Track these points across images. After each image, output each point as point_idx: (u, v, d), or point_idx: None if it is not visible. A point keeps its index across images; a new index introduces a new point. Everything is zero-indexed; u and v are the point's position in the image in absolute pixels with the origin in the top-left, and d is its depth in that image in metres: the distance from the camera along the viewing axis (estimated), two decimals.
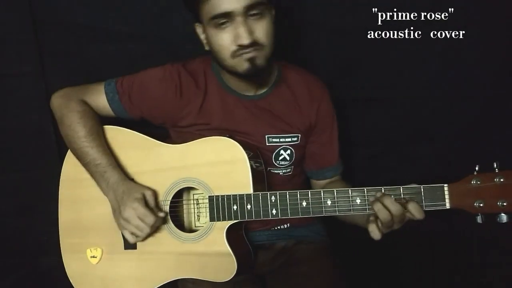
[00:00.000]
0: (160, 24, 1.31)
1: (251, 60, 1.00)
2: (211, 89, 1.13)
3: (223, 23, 0.97)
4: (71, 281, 1.17)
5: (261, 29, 0.99)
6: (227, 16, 0.96)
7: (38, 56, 1.29)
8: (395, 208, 0.87)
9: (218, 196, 1.03)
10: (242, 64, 1.01)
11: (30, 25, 1.26)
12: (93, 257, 1.14)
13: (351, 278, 1.15)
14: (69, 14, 1.28)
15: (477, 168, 0.88)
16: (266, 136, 1.14)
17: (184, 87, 1.12)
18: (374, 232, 0.90)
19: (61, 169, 1.22)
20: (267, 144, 1.14)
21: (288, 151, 1.16)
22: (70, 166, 1.19)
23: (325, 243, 1.24)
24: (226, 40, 0.99)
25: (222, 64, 1.04)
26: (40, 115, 1.34)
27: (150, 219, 1.01)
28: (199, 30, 1.07)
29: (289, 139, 1.15)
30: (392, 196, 0.89)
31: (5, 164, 1.39)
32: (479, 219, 0.87)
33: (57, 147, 1.36)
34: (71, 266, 1.18)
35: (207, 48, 1.07)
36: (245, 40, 0.96)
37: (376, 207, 0.88)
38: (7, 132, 1.36)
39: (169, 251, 1.08)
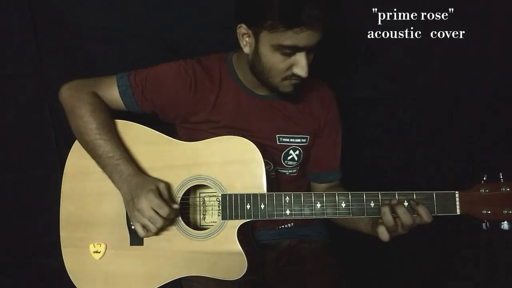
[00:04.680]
0: (160, 24, 1.31)
1: (296, 85, 1.04)
2: (225, 86, 1.13)
3: (287, 52, 0.97)
4: (70, 277, 1.16)
5: (311, 60, 1.02)
6: (295, 49, 0.97)
7: (38, 56, 1.29)
8: (406, 218, 0.91)
9: (232, 194, 1.04)
10: (287, 87, 1.05)
11: (30, 25, 1.26)
12: (96, 252, 1.13)
13: (353, 277, 1.15)
14: (68, 14, 1.28)
15: (485, 178, 0.92)
16: (277, 135, 1.14)
17: (198, 83, 1.12)
18: (384, 234, 0.94)
19: (61, 168, 1.20)
20: (277, 143, 1.15)
21: (297, 152, 1.17)
22: (75, 160, 1.18)
23: (327, 242, 1.25)
24: (283, 66, 1.00)
25: (265, 79, 1.04)
26: (40, 115, 1.34)
27: (165, 210, 1.01)
28: (243, 31, 1.01)
29: (299, 140, 1.16)
30: (406, 202, 0.93)
31: (5, 164, 1.39)
32: (484, 225, 0.92)
33: (56, 147, 1.36)
34: (71, 261, 1.16)
35: (246, 51, 1.04)
36: (305, 74, 0.99)
37: (382, 210, 0.92)
38: (7, 132, 1.36)
39: (178, 248, 1.08)
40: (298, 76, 1.01)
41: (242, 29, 1.01)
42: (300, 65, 0.99)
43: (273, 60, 1.00)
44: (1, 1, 1.23)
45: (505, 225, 0.90)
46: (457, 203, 0.92)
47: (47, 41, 1.29)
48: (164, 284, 1.09)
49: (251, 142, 1.04)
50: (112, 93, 1.14)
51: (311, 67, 1.02)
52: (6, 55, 1.29)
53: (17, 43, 1.28)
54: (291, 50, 0.97)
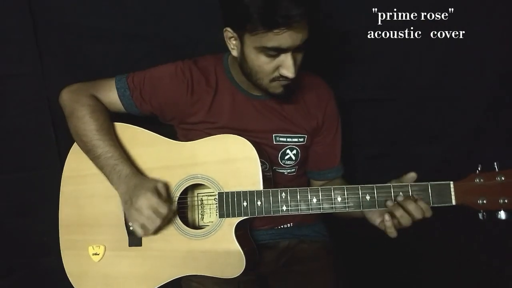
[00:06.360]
0: (160, 24, 1.31)
1: (286, 86, 1.04)
2: (221, 87, 1.14)
3: (272, 53, 0.97)
4: (70, 279, 1.16)
5: (300, 60, 1.01)
6: (279, 50, 0.96)
7: (38, 56, 1.29)
8: (417, 213, 0.92)
9: (228, 192, 1.04)
10: (277, 88, 1.04)
11: (30, 25, 1.26)
12: (95, 254, 1.14)
13: (352, 277, 1.15)
14: (69, 14, 1.28)
15: (479, 168, 0.92)
16: (274, 135, 1.15)
17: (195, 84, 1.13)
18: (393, 234, 0.95)
19: (61, 168, 1.21)
20: (274, 143, 1.15)
21: (294, 151, 1.17)
22: (73, 162, 1.19)
23: (326, 242, 1.25)
24: (269, 67, 1.00)
25: (254, 81, 1.05)
26: (40, 115, 1.34)
27: (163, 209, 1.01)
28: (229, 35, 1.03)
29: (296, 139, 1.16)
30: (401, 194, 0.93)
31: (5, 164, 1.39)
32: (480, 215, 0.91)
33: (57, 147, 1.36)
34: (71, 263, 1.17)
35: (234, 54, 1.05)
36: (291, 75, 0.99)
37: (398, 213, 0.93)
38: (7, 132, 1.36)
39: (176, 248, 1.08)
40: (286, 77, 1.00)
41: (228, 32, 1.02)
42: (286, 66, 0.98)
43: (259, 62, 0.99)
44: (1, 1, 1.23)
45: (501, 214, 0.89)
46: (452, 193, 0.92)
47: (47, 41, 1.29)
48: (164, 284, 1.09)
49: (246, 140, 1.05)
50: (111, 95, 1.15)
51: (305, 61, 1.02)
52: (6, 55, 1.29)
53: (17, 43, 1.28)
54: (275, 52, 0.96)
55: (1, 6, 1.24)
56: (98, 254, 1.14)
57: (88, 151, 1.12)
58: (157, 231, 1.06)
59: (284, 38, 0.93)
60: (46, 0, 1.26)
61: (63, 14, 1.28)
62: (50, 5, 1.27)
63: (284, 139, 1.16)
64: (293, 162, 1.18)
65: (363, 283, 1.33)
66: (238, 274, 1.02)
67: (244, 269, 1.02)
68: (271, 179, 1.12)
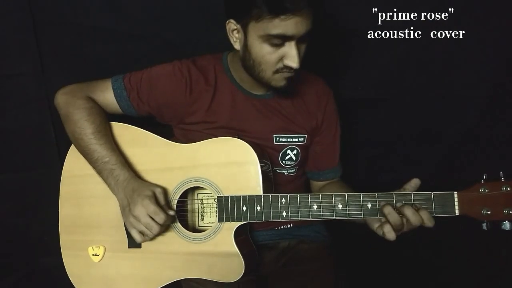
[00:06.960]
0: (160, 24, 1.31)
1: (289, 79, 1.03)
2: (221, 86, 1.13)
3: (276, 42, 0.97)
4: (71, 279, 1.16)
5: (303, 52, 1.01)
6: (284, 38, 0.96)
7: (38, 56, 1.29)
8: (415, 219, 0.90)
9: (228, 196, 1.03)
10: (280, 81, 1.03)
11: (30, 25, 1.26)
12: (95, 255, 1.13)
13: (352, 277, 1.15)
14: (69, 14, 1.28)
15: (485, 177, 0.90)
16: (274, 135, 1.14)
17: (193, 83, 1.12)
18: (391, 233, 0.92)
19: (61, 168, 1.21)
20: (274, 143, 1.14)
21: (295, 151, 1.17)
22: (73, 162, 1.18)
23: (326, 243, 1.25)
24: (273, 57, 0.99)
25: (256, 74, 1.04)
26: (40, 115, 1.34)
27: (161, 216, 1.00)
28: (232, 27, 1.02)
29: (296, 139, 1.16)
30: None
31: (5, 164, 1.39)
32: (484, 226, 0.90)
33: (57, 147, 1.36)
34: (71, 264, 1.17)
35: (236, 47, 1.04)
36: (296, 65, 0.98)
37: (386, 210, 0.90)
38: (7, 132, 1.36)
39: (175, 250, 1.07)
40: (290, 68, 0.99)
41: (231, 24, 1.02)
42: (290, 56, 0.97)
43: (263, 52, 0.98)
44: (1, 1, 1.23)
45: (506, 225, 0.88)
46: (456, 203, 0.91)
47: (47, 41, 1.29)
48: (164, 286, 1.09)
49: (246, 143, 1.04)
50: (107, 96, 1.13)
51: (305, 61, 1.02)
52: (6, 55, 1.29)
53: (17, 43, 1.28)
54: (279, 40, 0.96)
55: (1, 6, 1.24)
56: (98, 255, 1.13)
57: (86, 155, 1.11)
58: (156, 234, 1.05)
59: (289, 25, 0.92)
60: (46, 0, 1.26)
61: (63, 14, 1.28)
62: (50, 5, 1.27)
63: (285, 139, 1.15)
64: (294, 162, 1.18)
65: (362, 283, 1.32)
66: (238, 279, 1.02)
67: (244, 272, 1.02)
68: (272, 179, 1.12)
